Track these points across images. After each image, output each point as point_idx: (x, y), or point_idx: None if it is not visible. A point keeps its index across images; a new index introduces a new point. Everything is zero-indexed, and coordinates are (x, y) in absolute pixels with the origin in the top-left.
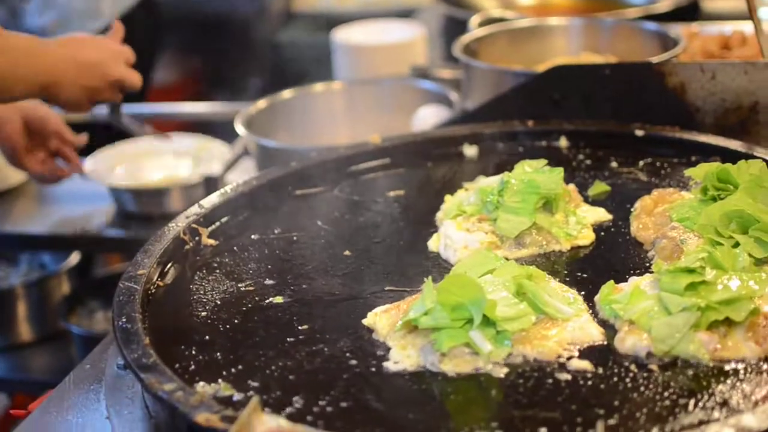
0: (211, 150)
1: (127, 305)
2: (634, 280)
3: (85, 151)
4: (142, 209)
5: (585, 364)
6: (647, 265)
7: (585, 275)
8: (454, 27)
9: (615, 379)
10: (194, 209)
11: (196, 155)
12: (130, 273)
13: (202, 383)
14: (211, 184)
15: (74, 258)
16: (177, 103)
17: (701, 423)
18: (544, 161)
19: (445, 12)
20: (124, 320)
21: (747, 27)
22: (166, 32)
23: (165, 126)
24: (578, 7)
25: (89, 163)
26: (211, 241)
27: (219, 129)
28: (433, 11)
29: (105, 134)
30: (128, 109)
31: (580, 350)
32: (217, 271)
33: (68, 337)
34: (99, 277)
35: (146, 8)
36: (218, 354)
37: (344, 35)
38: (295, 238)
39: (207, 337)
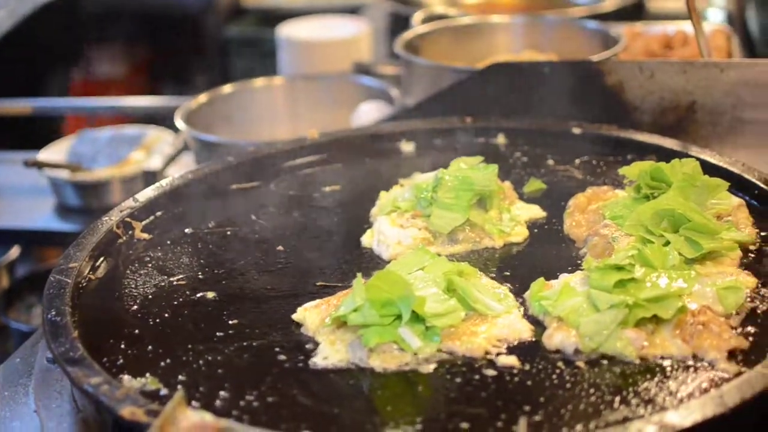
0: (164, 141)
1: (57, 298)
2: (564, 277)
3: (39, 143)
4: (82, 202)
5: (512, 361)
6: (579, 262)
7: (516, 272)
8: (399, 24)
9: (542, 375)
10: (129, 203)
11: (149, 147)
12: (61, 266)
13: (128, 377)
14: (150, 178)
15: (14, 252)
16: (119, 97)
17: (626, 420)
18: (479, 158)
19: (391, 9)
20: (53, 313)
21: (689, 26)
22: (113, 25)
23: (107, 120)
24: (523, 5)
25: (42, 155)
26: (145, 235)
27: (162, 123)
28: (379, 8)
29: (58, 126)
30: (70, 103)
31: (508, 346)
32: (150, 265)
33: (6, 332)
34: (38, 271)
35: (62, 8)
36: (147, 348)
37: (289, 31)
38: (229, 232)
39: (137, 331)
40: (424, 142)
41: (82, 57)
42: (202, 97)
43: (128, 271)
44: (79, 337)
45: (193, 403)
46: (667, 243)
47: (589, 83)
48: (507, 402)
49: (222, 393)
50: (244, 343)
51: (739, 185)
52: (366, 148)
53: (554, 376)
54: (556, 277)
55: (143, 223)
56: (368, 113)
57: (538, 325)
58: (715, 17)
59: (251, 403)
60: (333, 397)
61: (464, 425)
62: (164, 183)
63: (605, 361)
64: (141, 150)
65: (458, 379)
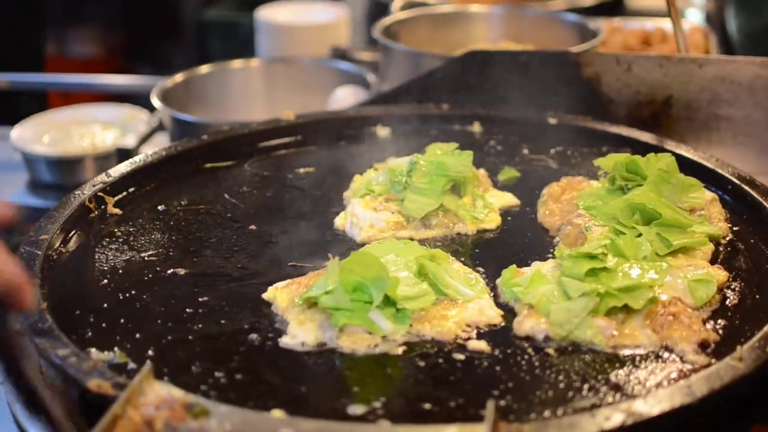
0: (139, 120)
1: (27, 269)
2: (536, 264)
3: (13, 118)
4: (55, 179)
5: (482, 346)
6: (551, 250)
7: (488, 258)
8: (378, 10)
9: (511, 361)
10: (101, 178)
11: (124, 125)
12: (32, 238)
13: (96, 350)
14: (124, 156)
15: None
16: (96, 75)
17: (594, 407)
18: (455, 144)
19: None
20: None
21: (668, 24)
22: (91, 6)
23: (84, 97)
24: None
25: (16, 131)
26: (117, 210)
27: (138, 102)
28: None
29: (35, 101)
30: (47, 78)
31: (478, 332)
32: (121, 240)
33: None
34: (10, 246)
35: None
36: (116, 322)
37: (267, 14)
38: (201, 210)
39: (106, 305)
40: (400, 127)
41: (58, 35)
42: (179, 77)
43: (99, 246)
44: (48, 309)
45: (162, 377)
46: (640, 235)
47: (566, 74)
48: (475, 386)
49: (190, 369)
50: (214, 321)
51: (713, 180)
52: (342, 132)
53: (523, 362)
54: (528, 265)
55: (116, 198)
56: (344, 98)
57: (509, 312)
58: (694, 17)
59: (219, 380)
60: (301, 376)
61: (431, 407)
62: (138, 159)
63: (575, 349)
64: (115, 128)
65: (426, 362)
